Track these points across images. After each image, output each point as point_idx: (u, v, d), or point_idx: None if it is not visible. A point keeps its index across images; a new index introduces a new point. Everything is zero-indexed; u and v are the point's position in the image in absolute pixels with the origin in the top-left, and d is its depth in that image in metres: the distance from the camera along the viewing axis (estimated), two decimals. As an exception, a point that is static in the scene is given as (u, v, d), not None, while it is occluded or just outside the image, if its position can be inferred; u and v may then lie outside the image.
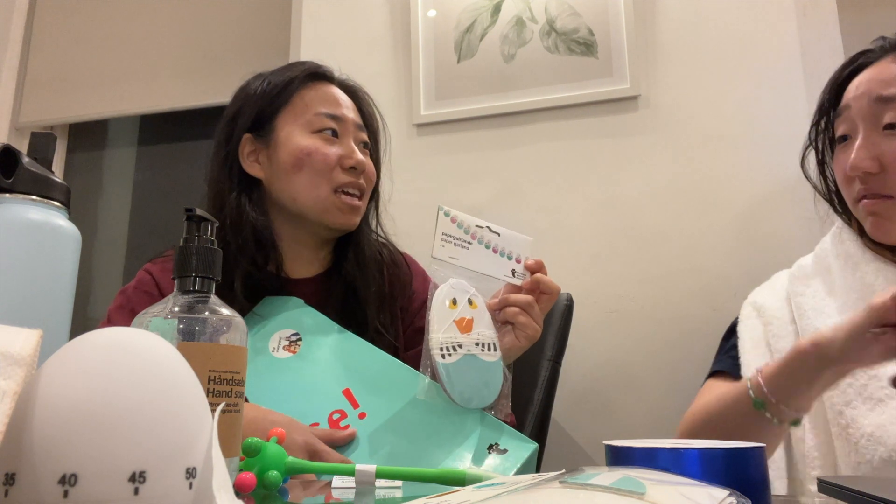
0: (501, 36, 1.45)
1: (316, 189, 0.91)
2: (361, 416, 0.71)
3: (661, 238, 1.30)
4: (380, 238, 1.02)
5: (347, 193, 0.92)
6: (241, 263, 0.87)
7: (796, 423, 0.74)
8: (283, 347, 0.80)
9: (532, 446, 0.67)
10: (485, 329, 0.73)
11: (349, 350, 0.80)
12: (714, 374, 0.94)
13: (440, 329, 0.70)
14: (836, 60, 1.28)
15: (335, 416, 0.71)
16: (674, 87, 1.35)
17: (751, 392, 0.73)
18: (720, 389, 0.86)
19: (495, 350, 0.72)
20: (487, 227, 0.78)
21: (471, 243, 0.76)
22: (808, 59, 1.28)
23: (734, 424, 0.76)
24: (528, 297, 0.78)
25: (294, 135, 0.92)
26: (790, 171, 1.25)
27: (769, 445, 0.74)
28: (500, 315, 0.78)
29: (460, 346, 0.69)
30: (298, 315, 0.84)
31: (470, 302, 0.73)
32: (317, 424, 0.70)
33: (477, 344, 0.71)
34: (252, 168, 0.94)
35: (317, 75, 0.97)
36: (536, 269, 0.79)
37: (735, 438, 0.69)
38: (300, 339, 0.81)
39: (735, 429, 0.75)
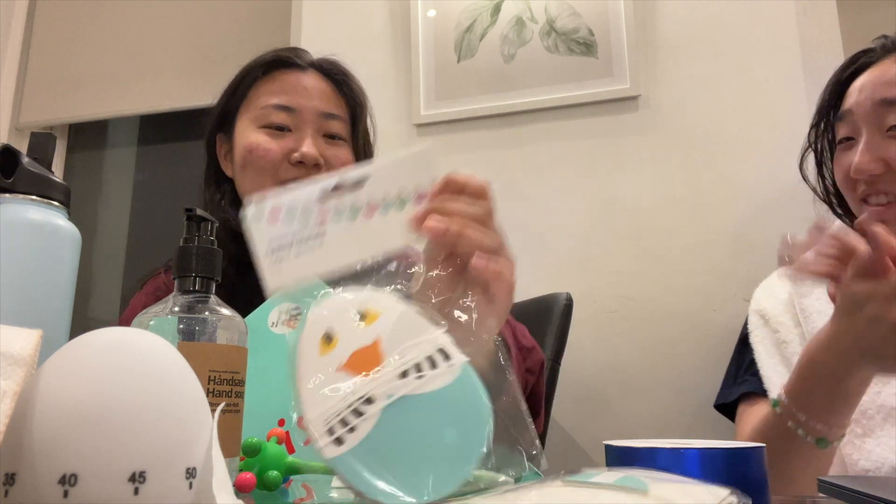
0: (501, 36, 1.45)
1: (261, 187, 0.84)
2: None
3: (661, 238, 1.30)
4: None
5: None
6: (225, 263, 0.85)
7: (824, 443, 0.66)
8: (283, 322, 0.72)
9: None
10: (412, 336, 0.39)
11: None
12: (744, 396, 0.89)
13: (315, 401, 0.37)
14: (836, 60, 1.28)
15: None
16: (674, 87, 1.35)
17: (777, 409, 0.68)
18: (755, 417, 0.81)
19: (448, 357, 0.39)
20: (339, 181, 0.49)
21: (324, 227, 0.49)
22: (808, 59, 1.28)
23: (779, 453, 0.68)
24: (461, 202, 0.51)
25: (245, 131, 0.88)
26: (790, 171, 1.25)
27: (822, 469, 0.68)
28: (431, 256, 0.51)
29: (369, 402, 0.36)
30: (303, 287, 0.78)
31: (362, 317, 0.41)
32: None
33: (404, 374, 0.38)
34: (226, 167, 0.93)
35: (276, 63, 0.90)
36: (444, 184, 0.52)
37: (785, 469, 0.66)
38: (300, 314, 0.73)
39: (781, 458, 0.68)
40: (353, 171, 0.50)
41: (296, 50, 0.93)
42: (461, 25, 1.48)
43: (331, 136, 0.89)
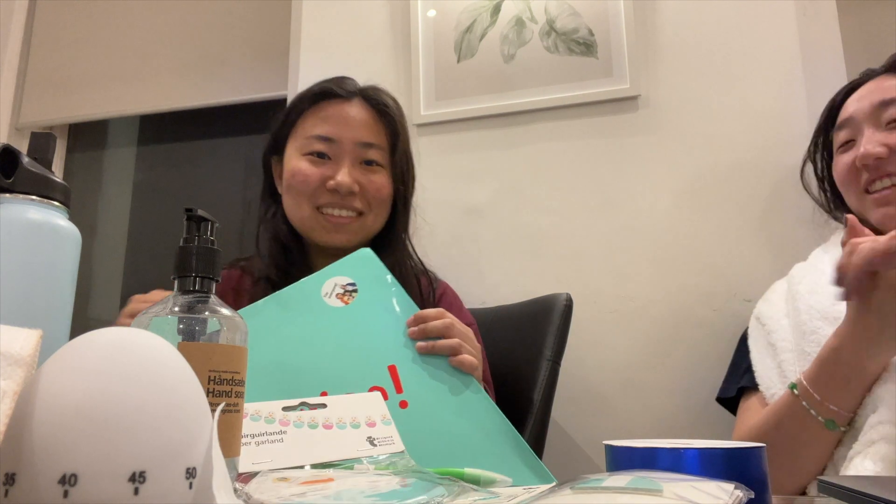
0: (501, 36, 1.45)
1: (300, 209, 0.97)
2: (402, 404, 0.66)
3: (660, 238, 1.30)
4: (415, 263, 1.03)
5: (332, 213, 0.95)
6: (271, 268, 0.94)
7: (832, 425, 0.74)
8: (337, 295, 0.74)
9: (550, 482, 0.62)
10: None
11: (405, 318, 0.75)
12: (742, 392, 0.96)
13: None
14: (836, 60, 1.28)
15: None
16: (674, 87, 1.35)
17: (795, 391, 0.76)
18: (754, 408, 0.89)
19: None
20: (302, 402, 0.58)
21: (285, 429, 0.56)
22: (808, 59, 1.28)
23: (788, 432, 0.77)
24: (444, 319, 0.74)
25: (291, 157, 0.99)
26: (790, 172, 1.25)
27: (823, 452, 0.76)
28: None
29: None
30: (361, 264, 0.79)
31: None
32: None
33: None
34: (278, 186, 1.03)
35: (322, 94, 0.99)
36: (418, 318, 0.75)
37: (793, 452, 0.75)
38: (356, 291, 0.75)
39: (790, 437, 0.77)
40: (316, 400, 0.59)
41: (341, 80, 1.02)
42: (461, 25, 1.48)
43: (367, 163, 0.98)
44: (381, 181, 0.98)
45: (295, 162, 0.97)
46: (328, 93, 0.99)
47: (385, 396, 0.66)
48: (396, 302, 0.77)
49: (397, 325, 0.74)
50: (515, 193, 1.40)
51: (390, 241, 1.00)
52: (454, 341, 0.74)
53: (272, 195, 1.05)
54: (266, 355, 0.67)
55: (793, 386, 0.77)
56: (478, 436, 0.67)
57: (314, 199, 0.96)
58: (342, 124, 0.97)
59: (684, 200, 1.30)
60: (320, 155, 0.97)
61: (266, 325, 0.70)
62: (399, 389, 0.68)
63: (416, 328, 0.74)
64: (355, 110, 0.98)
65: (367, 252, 0.82)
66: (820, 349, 0.76)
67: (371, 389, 0.67)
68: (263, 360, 0.65)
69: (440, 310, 0.76)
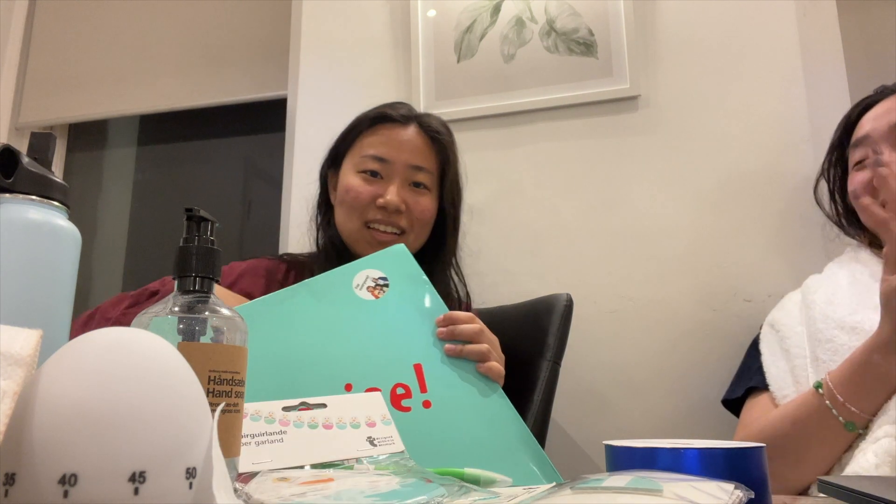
0: (501, 36, 1.45)
1: (350, 222, 1.03)
2: (426, 404, 0.66)
3: (660, 238, 1.30)
4: (455, 280, 1.08)
5: (378, 229, 1.01)
6: (322, 267, 0.97)
7: (851, 426, 0.77)
8: (368, 288, 0.75)
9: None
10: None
11: (434, 317, 0.75)
12: (749, 392, 0.98)
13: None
14: (836, 60, 1.28)
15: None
16: (674, 87, 1.35)
17: (820, 390, 0.78)
18: (770, 405, 0.91)
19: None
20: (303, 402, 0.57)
21: (285, 429, 0.56)
22: (808, 59, 1.28)
23: (807, 428, 0.79)
24: (474, 325, 0.75)
25: (346, 174, 1.05)
26: (790, 172, 1.25)
27: (835, 453, 0.79)
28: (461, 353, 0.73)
29: None
30: (394, 259, 0.79)
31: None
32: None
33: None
34: (332, 197, 1.10)
35: (379, 118, 1.06)
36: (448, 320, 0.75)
37: (806, 448, 0.79)
38: (387, 285, 0.75)
39: (805, 436, 0.79)
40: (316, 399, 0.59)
41: (398, 105, 1.09)
42: (461, 25, 1.48)
43: (416, 185, 1.03)
44: (426, 203, 1.03)
45: (350, 178, 1.03)
46: (385, 117, 1.06)
47: (408, 394, 0.66)
48: (427, 300, 0.77)
49: (426, 323, 0.74)
50: (515, 193, 1.40)
51: (438, 264, 1.05)
52: (483, 347, 0.74)
53: (326, 204, 1.12)
54: (294, 341, 0.67)
55: (818, 385, 0.79)
56: (499, 443, 0.66)
57: (364, 214, 1.01)
58: (396, 147, 1.03)
59: (684, 200, 1.30)
60: (373, 174, 1.02)
61: (296, 311, 0.71)
62: (423, 389, 0.67)
63: (445, 329, 0.74)
64: (410, 135, 1.04)
65: (401, 248, 0.82)
66: (850, 354, 0.78)
67: (395, 386, 0.66)
68: (291, 345, 0.66)
69: (470, 314, 0.77)
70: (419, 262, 0.85)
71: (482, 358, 0.73)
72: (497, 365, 0.74)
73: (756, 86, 1.30)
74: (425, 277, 0.80)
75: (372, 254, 0.80)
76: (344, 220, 1.04)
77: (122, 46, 1.93)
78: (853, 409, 0.75)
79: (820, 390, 0.79)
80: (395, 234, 1.01)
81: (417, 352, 0.71)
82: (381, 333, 0.71)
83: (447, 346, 0.73)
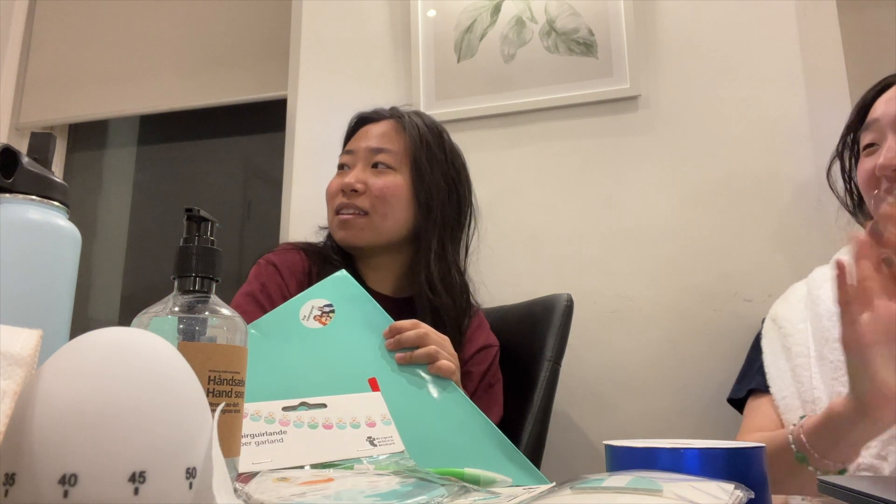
0: (501, 36, 1.45)
1: (328, 215, 1.07)
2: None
3: (661, 238, 1.30)
4: (456, 276, 1.05)
5: (342, 213, 1.02)
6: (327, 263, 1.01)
7: (842, 472, 0.73)
8: (315, 317, 0.77)
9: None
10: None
11: (381, 331, 0.78)
12: (751, 393, 0.96)
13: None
14: (836, 60, 1.28)
15: None
16: (674, 87, 1.35)
17: (793, 446, 0.73)
18: (765, 420, 0.88)
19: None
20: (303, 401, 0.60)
21: (285, 429, 0.57)
22: (808, 59, 1.28)
23: (781, 473, 0.74)
24: (419, 329, 0.77)
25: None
26: (790, 172, 1.25)
27: (807, 481, 0.74)
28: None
29: None
30: (335, 285, 0.82)
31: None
32: None
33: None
34: None
35: (361, 120, 1.10)
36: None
37: (782, 482, 0.72)
38: (333, 311, 0.78)
39: (781, 474, 0.74)
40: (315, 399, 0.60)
41: (380, 108, 1.10)
42: (461, 25, 1.48)
43: (375, 165, 1.03)
44: (385, 182, 1.02)
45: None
46: (363, 118, 1.10)
47: None
48: (373, 317, 0.80)
49: (375, 339, 0.77)
50: (515, 193, 1.40)
51: (420, 251, 1.03)
52: (431, 349, 0.77)
53: None
54: (250, 384, 0.67)
55: (792, 442, 0.74)
56: (461, 437, 0.69)
57: (333, 203, 1.04)
58: (363, 139, 1.06)
59: (684, 200, 1.30)
60: (342, 167, 1.07)
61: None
62: None
63: (392, 339, 0.77)
64: (380, 127, 1.06)
65: (342, 274, 0.85)
66: (824, 410, 0.73)
67: None
68: (248, 387, 0.66)
69: (414, 321, 0.80)
70: (410, 250, 0.91)
71: (431, 360, 0.76)
72: (446, 363, 0.77)
73: (756, 86, 1.30)
74: (368, 296, 0.83)
75: (314, 285, 0.83)
76: (327, 217, 1.08)
77: (122, 46, 1.93)
78: (827, 462, 0.71)
79: (794, 447, 0.74)
80: (356, 214, 1.01)
81: (370, 367, 0.73)
82: (334, 356, 0.74)
83: (397, 355, 0.76)
